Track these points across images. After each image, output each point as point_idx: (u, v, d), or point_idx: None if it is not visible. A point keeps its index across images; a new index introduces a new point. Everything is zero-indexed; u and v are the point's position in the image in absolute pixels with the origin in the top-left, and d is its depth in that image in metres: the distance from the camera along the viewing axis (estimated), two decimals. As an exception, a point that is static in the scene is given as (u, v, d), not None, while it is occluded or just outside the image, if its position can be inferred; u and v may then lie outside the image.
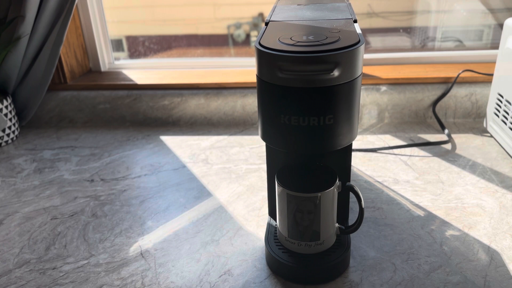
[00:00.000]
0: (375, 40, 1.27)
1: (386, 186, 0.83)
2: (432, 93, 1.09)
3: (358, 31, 0.55)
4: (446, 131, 1.02)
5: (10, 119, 1.08)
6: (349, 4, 0.72)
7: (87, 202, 0.83)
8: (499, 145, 0.96)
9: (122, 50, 1.37)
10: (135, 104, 1.16)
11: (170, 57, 1.37)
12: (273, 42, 0.52)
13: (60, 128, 1.17)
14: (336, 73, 0.49)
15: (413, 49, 1.25)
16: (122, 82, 1.18)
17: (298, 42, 0.51)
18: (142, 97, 1.16)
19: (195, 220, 0.76)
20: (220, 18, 1.34)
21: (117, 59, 1.33)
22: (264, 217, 0.76)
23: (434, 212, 0.75)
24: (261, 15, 1.34)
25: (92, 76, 1.25)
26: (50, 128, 1.17)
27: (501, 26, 1.21)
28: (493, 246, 0.66)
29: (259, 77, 0.53)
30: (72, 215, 0.79)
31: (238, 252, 0.68)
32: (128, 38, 1.37)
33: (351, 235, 0.70)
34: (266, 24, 0.61)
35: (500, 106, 0.93)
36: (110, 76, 1.24)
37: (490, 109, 0.99)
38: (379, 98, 1.10)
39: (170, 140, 1.07)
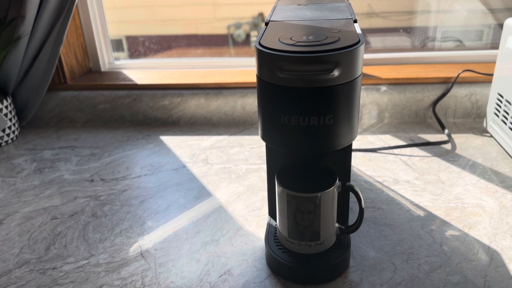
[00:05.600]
0: (375, 40, 1.27)
1: (386, 186, 0.83)
2: (432, 93, 1.09)
3: (358, 31, 0.55)
4: (446, 131, 1.02)
5: (10, 119, 1.08)
6: (349, 4, 0.72)
7: (87, 202, 0.83)
8: (499, 145, 0.96)
9: (122, 50, 1.37)
10: (135, 104, 1.16)
11: (170, 57, 1.37)
12: (273, 42, 0.52)
13: (60, 128, 1.17)
14: (336, 73, 0.49)
15: (413, 49, 1.25)
16: (122, 82, 1.18)
17: (298, 42, 0.51)
18: (142, 97, 1.16)
19: (195, 220, 0.76)
20: (220, 18, 1.34)
21: (117, 59, 1.33)
22: (264, 217, 0.76)
23: (434, 212, 0.75)
24: (261, 15, 1.34)
25: (92, 76, 1.25)
26: (50, 128, 1.17)
27: (501, 26, 1.21)
28: (493, 246, 0.66)
29: (259, 77, 0.53)
30: (72, 215, 0.79)
31: (238, 252, 0.68)
32: (128, 38, 1.37)
33: (351, 235, 0.70)
34: (266, 24, 0.61)
35: (500, 106, 0.93)
36: (110, 76, 1.25)
37: (490, 109, 0.99)
38: (379, 98, 1.10)
39: (170, 140, 1.07)
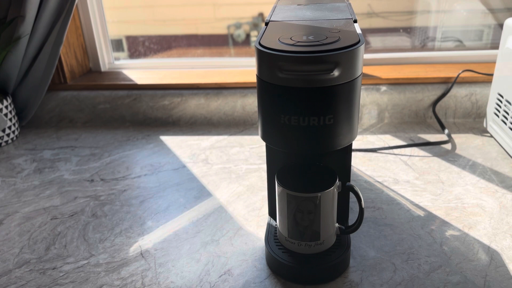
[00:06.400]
0: (375, 40, 1.27)
1: (386, 186, 0.83)
2: (432, 93, 1.09)
3: (358, 31, 0.55)
4: (446, 131, 1.02)
5: (10, 119, 1.08)
6: (349, 4, 0.72)
7: (87, 202, 0.83)
8: (499, 145, 0.96)
9: (122, 50, 1.37)
10: (135, 104, 1.16)
11: (170, 57, 1.37)
12: (273, 42, 0.52)
13: (60, 128, 1.17)
14: (336, 73, 0.49)
15: (413, 49, 1.25)
16: (122, 82, 1.18)
17: (298, 42, 0.51)
18: (142, 97, 1.16)
19: (195, 220, 0.76)
20: (220, 18, 1.34)
21: (117, 59, 1.33)
22: (264, 217, 0.76)
23: (434, 212, 0.75)
24: (261, 15, 1.34)
25: (92, 76, 1.25)
26: (50, 128, 1.17)
27: (501, 26, 1.21)
28: (493, 246, 0.66)
29: (259, 77, 0.54)
30: (72, 215, 0.79)
31: (238, 252, 0.68)
32: (128, 38, 1.37)
33: (351, 235, 0.70)
34: (266, 24, 0.61)
35: (500, 106, 0.93)
36: (110, 76, 1.25)
37: (490, 109, 0.99)
38: (379, 98, 1.10)
39: (170, 140, 1.07)
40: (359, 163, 0.92)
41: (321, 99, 0.50)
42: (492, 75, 1.06)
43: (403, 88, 1.10)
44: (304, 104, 0.51)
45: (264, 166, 0.92)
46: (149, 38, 1.37)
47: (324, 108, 0.51)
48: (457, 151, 0.95)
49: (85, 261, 0.67)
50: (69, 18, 1.04)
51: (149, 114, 1.17)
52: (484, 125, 1.03)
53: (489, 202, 0.77)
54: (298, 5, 0.73)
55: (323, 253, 0.61)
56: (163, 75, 1.23)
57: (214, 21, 1.34)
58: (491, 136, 1.00)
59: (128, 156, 1.00)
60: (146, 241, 0.71)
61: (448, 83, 1.08)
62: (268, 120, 0.54)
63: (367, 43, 1.26)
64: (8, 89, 1.11)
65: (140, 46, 1.38)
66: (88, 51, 1.27)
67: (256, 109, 1.14)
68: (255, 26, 1.35)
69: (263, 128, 0.56)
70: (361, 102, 1.10)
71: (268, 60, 0.51)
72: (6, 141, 1.08)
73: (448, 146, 0.97)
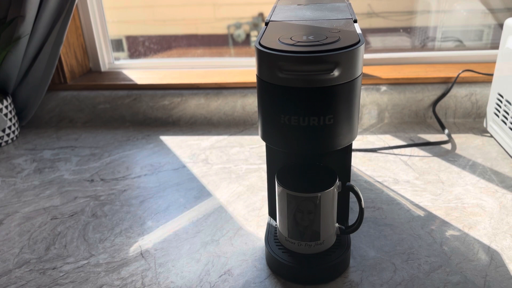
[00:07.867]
0: (375, 40, 1.27)
1: (386, 186, 0.83)
2: (432, 93, 1.09)
3: (358, 31, 0.55)
4: (446, 131, 1.02)
5: (10, 119, 1.08)
6: (349, 4, 0.72)
7: (87, 202, 0.83)
8: (499, 145, 0.96)
9: (122, 50, 1.37)
10: (135, 104, 1.16)
11: (170, 57, 1.37)
12: (273, 42, 0.52)
13: (60, 128, 1.17)
14: (336, 73, 0.49)
15: (413, 49, 1.25)
16: (122, 82, 1.18)
17: (298, 42, 0.51)
18: (142, 97, 1.16)
19: (195, 220, 0.76)
20: (220, 18, 1.34)
21: (117, 59, 1.33)
22: (264, 217, 0.76)
23: (434, 212, 0.75)
24: (261, 15, 1.34)
25: (92, 76, 1.25)
26: (50, 128, 1.17)
27: (501, 26, 1.21)
28: (493, 246, 0.66)
29: (259, 77, 0.54)
30: (72, 215, 0.79)
31: (238, 252, 0.68)
32: (128, 38, 1.37)
33: (351, 235, 0.70)
34: (266, 24, 0.61)
35: (500, 106, 0.93)
36: (110, 76, 1.25)
37: (490, 109, 0.99)
38: (379, 98, 1.10)
39: (170, 140, 1.07)
40: (359, 163, 0.92)
41: (321, 99, 0.50)
42: (492, 75, 1.06)
43: (403, 88, 1.10)
44: (304, 104, 0.51)
45: (264, 166, 0.92)
46: (149, 38, 1.37)
47: (324, 108, 0.51)
48: (457, 151, 0.95)
49: (85, 261, 0.67)
50: (69, 18, 1.04)
51: (149, 114, 1.17)
52: (484, 125, 1.03)
53: (489, 202, 0.77)
54: (298, 5, 0.73)
55: (323, 253, 0.61)
56: (163, 75, 1.23)
57: (214, 21, 1.34)
58: (491, 136, 1.00)
59: (128, 156, 1.00)
60: (146, 241, 0.71)
61: (448, 83, 1.08)
62: (268, 120, 0.54)
63: (367, 43, 1.26)
64: (8, 89, 1.11)
65: (140, 46, 1.38)
66: (88, 51, 1.27)
67: (256, 109, 1.14)
68: (255, 26, 1.35)
69: (263, 128, 0.56)
70: (361, 102, 1.10)
71: (268, 60, 0.51)
72: (6, 141, 1.08)
73: (448, 146, 0.97)
